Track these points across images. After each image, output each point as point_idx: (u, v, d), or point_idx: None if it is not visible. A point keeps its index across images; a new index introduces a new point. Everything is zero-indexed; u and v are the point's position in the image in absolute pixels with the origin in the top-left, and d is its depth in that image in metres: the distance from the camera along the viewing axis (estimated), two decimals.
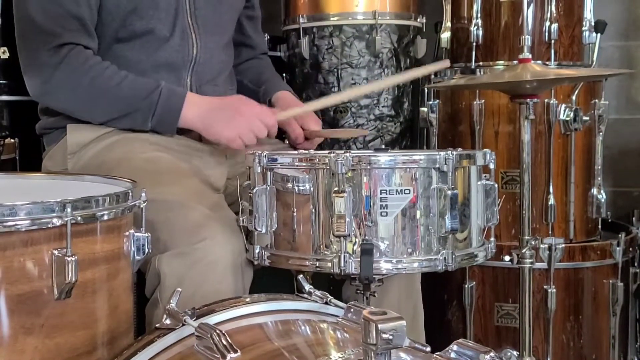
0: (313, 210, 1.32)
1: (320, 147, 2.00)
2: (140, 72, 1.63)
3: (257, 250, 1.38)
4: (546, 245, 2.03)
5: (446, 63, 1.82)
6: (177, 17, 1.67)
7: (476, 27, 2.14)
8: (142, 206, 1.16)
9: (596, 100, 2.16)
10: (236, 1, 1.87)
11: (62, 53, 1.56)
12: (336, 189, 1.28)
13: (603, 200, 2.16)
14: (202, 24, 1.72)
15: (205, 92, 1.72)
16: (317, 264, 1.32)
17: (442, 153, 1.32)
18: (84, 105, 1.61)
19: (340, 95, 2.00)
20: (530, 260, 1.63)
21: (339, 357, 0.86)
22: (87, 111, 1.63)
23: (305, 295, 1.07)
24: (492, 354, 0.83)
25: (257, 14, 2.01)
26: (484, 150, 1.44)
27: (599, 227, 2.23)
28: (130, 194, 1.14)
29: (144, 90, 1.58)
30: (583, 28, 2.17)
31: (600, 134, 2.17)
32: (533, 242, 1.64)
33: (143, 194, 1.17)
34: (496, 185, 1.43)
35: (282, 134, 1.88)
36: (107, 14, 1.61)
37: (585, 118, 2.09)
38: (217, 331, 0.86)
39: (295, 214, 1.34)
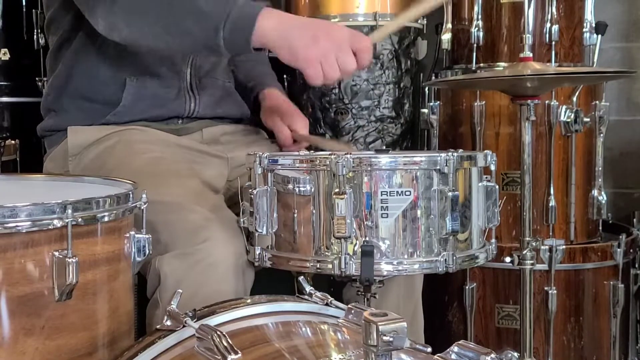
0: (314, 211, 1.32)
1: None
2: (144, 64, 1.64)
3: (257, 252, 1.37)
4: (547, 247, 2.03)
5: None
6: None
7: (477, 28, 2.14)
8: (142, 207, 1.16)
9: (597, 102, 2.16)
10: None
11: None
12: (337, 190, 1.28)
13: (603, 201, 2.16)
14: None
15: (204, 84, 1.73)
16: (318, 266, 1.32)
17: (443, 154, 1.32)
18: (156, 19, 1.48)
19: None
20: (531, 262, 1.63)
21: (340, 359, 0.86)
22: (162, 26, 1.48)
23: (306, 297, 1.07)
24: (492, 355, 0.83)
25: None
26: (485, 151, 1.44)
27: (600, 228, 2.23)
28: (131, 196, 1.14)
29: None
30: (584, 29, 2.17)
31: (601, 135, 2.17)
32: (534, 244, 1.63)
33: (144, 196, 1.17)
34: (497, 187, 1.43)
35: (272, 135, 1.88)
36: None
37: (585, 119, 2.09)
38: (218, 332, 0.86)
39: (296, 215, 1.33)
